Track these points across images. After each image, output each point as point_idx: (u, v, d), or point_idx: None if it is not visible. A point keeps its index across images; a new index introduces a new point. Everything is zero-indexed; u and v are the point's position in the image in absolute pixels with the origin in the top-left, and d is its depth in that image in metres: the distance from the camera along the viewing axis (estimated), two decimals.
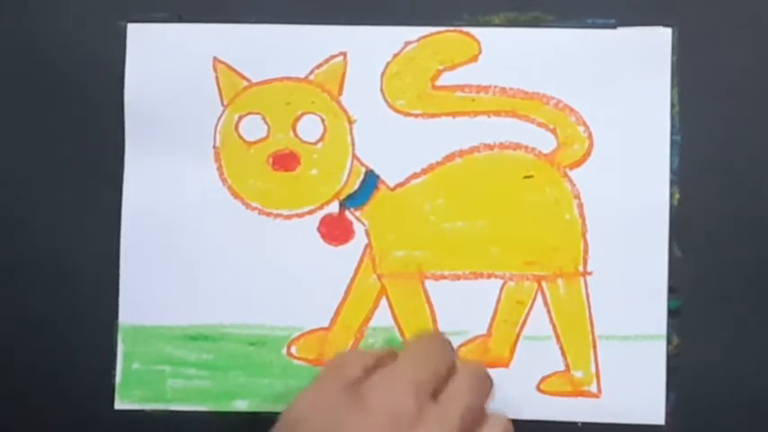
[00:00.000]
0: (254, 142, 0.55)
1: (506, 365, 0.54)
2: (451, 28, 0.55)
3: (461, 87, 0.55)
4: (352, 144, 0.55)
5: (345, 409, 0.47)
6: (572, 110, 0.54)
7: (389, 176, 0.55)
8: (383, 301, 0.55)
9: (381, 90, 0.55)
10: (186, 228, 0.55)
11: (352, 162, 0.55)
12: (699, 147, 0.54)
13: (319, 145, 0.55)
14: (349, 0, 0.55)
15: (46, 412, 0.55)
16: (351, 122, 0.55)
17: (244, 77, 0.55)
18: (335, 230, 0.55)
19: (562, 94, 0.54)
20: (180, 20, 0.55)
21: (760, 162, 0.54)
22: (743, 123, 0.54)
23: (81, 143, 0.56)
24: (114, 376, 0.55)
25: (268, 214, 0.55)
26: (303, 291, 0.55)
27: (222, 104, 0.55)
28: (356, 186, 0.55)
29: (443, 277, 0.55)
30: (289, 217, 0.55)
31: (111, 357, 0.55)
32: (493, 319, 0.54)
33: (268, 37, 0.55)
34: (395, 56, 0.55)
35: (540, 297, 0.54)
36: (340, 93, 0.55)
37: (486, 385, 0.51)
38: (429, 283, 0.55)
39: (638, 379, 0.54)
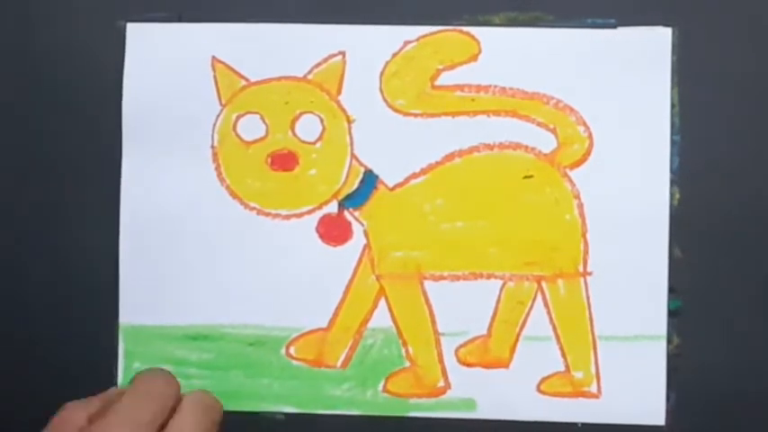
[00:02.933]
0: (253, 142, 0.55)
1: (506, 366, 0.54)
2: (451, 27, 0.55)
3: (461, 87, 0.55)
4: (351, 144, 0.55)
5: None
6: (572, 110, 0.54)
7: (389, 176, 0.55)
8: (382, 302, 0.55)
9: (380, 89, 0.55)
10: (185, 228, 0.55)
11: (350, 162, 0.55)
12: (699, 147, 0.54)
13: (318, 144, 0.55)
14: None
15: (46, 413, 0.55)
16: (350, 122, 0.55)
17: (242, 77, 0.55)
18: (334, 231, 0.55)
19: (562, 94, 0.54)
20: (179, 19, 0.55)
21: (760, 162, 0.54)
22: (743, 123, 0.54)
23: (80, 143, 0.55)
24: (115, 376, 0.55)
25: (266, 214, 0.55)
26: (302, 291, 0.55)
27: (220, 104, 0.55)
28: (355, 186, 0.55)
29: (443, 278, 0.55)
30: (287, 217, 0.55)
31: (111, 357, 0.55)
32: (493, 319, 0.54)
33: (267, 36, 0.55)
34: (394, 55, 0.55)
35: (540, 297, 0.54)
36: (339, 92, 0.55)
37: (212, 413, 0.50)
38: (428, 284, 0.55)
39: (638, 379, 0.54)
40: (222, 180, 0.55)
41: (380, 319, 0.55)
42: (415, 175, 0.55)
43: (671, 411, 0.54)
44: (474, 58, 0.55)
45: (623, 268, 0.54)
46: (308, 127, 0.55)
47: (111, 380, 0.55)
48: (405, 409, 0.55)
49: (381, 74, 0.55)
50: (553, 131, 0.54)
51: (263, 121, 0.55)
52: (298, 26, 0.55)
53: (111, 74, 0.55)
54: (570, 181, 0.54)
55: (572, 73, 0.54)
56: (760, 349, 0.54)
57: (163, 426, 0.48)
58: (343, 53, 0.55)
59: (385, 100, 0.55)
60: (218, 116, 0.55)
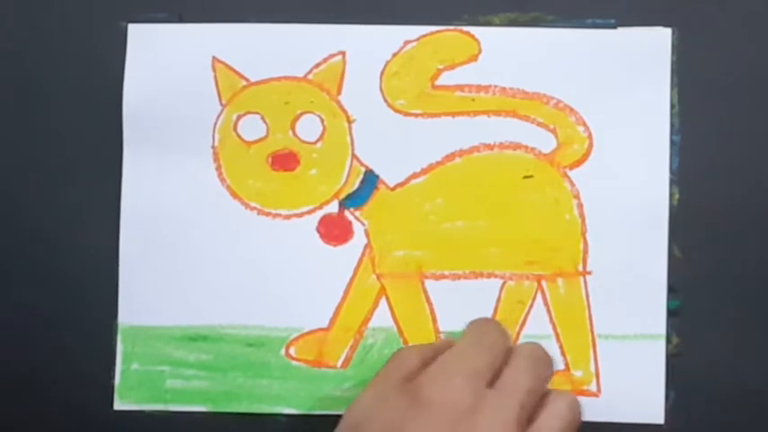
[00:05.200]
0: (254, 142, 0.55)
1: None
2: (451, 27, 0.55)
3: (461, 87, 0.55)
4: (352, 144, 0.55)
5: (403, 406, 0.48)
6: (572, 110, 0.54)
7: (389, 176, 0.55)
8: (383, 302, 0.55)
9: (381, 89, 0.55)
10: (185, 228, 0.55)
11: (351, 162, 0.55)
12: (699, 147, 0.54)
13: (319, 144, 0.55)
14: None
15: (45, 413, 0.55)
16: (350, 122, 0.55)
17: (242, 77, 0.55)
18: (335, 230, 0.55)
19: (562, 94, 0.54)
20: (180, 20, 0.55)
21: (760, 162, 0.54)
22: (743, 123, 0.54)
23: (80, 143, 0.55)
24: (113, 377, 0.55)
25: (267, 214, 0.55)
26: (302, 291, 0.55)
27: (221, 104, 0.55)
28: (356, 186, 0.55)
29: (443, 277, 0.55)
30: (288, 217, 0.55)
31: (110, 358, 0.55)
32: (493, 318, 0.54)
33: (267, 36, 0.55)
34: (394, 55, 0.55)
35: (539, 296, 0.54)
36: (339, 92, 0.55)
37: (544, 366, 0.51)
38: (429, 283, 0.55)
39: (637, 378, 0.54)
40: (223, 180, 0.55)
41: (381, 318, 0.55)
42: (415, 175, 0.55)
43: (670, 410, 0.54)
44: (474, 58, 0.55)
45: (623, 268, 0.54)
46: (309, 127, 0.55)
47: (109, 381, 0.55)
48: None
49: (381, 74, 0.55)
50: (553, 131, 0.55)
51: (264, 122, 0.55)
52: (298, 26, 0.55)
53: (112, 74, 0.55)
54: (570, 181, 0.54)
55: (572, 73, 0.54)
56: (759, 349, 0.54)
57: (495, 376, 0.49)
58: (343, 53, 0.55)
59: (385, 100, 0.55)
60: (219, 116, 0.55)
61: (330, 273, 0.55)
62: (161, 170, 0.55)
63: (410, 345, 0.54)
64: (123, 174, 0.55)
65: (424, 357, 0.50)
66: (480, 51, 0.55)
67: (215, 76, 0.55)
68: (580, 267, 0.54)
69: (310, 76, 0.55)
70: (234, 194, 0.55)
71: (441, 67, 0.55)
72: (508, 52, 0.55)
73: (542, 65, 0.54)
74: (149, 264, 0.55)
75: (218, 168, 0.55)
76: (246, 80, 0.55)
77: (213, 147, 0.55)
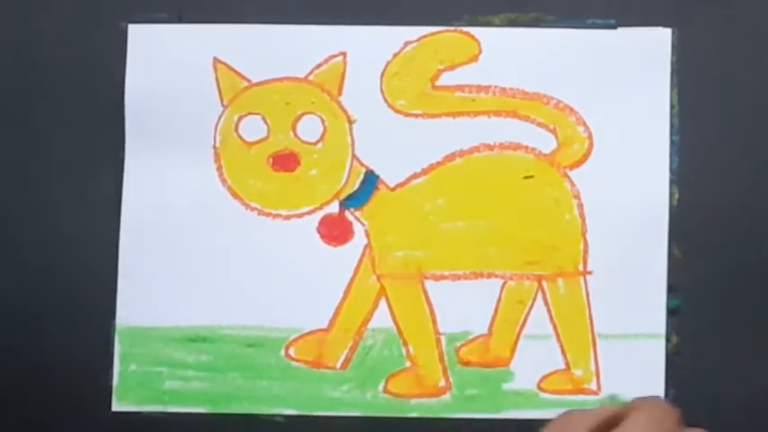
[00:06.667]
0: (254, 142, 0.55)
1: (507, 364, 0.54)
2: (451, 28, 0.55)
3: (461, 87, 0.55)
4: (352, 144, 0.55)
5: None
6: (572, 110, 0.55)
7: (389, 176, 0.55)
8: (383, 302, 0.55)
9: (381, 90, 0.55)
10: (185, 228, 0.55)
11: (351, 162, 0.55)
12: (699, 147, 0.54)
13: (319, 145, 0.55)
14: (349, 0, 0.55)
15: (43, 414, 0.55)
16: (350, 122, 0.55)
17: (243, 77, 0.55)
18: (335, 231, 0.55)
19: (562, 94, 0.55)
20: (180, 20, 0.55)
21: (759, 162, 0.54)
22: (743, 123, 0.54)
23: (81, 143, 0.55)
24: (112, 378, 0.55)
25: (267, 214, 0.55)
26: (302, 291, 0.55)
27: (222, 105, 0.55)
28: (356, 186, 0.55)
29: (443, 277, 0.55)
30: (288, 217, 0.55)
31: (108, 359, 0.55)
32: (493, 318, 0.55)
33: (268, 37, 0.55)
34: (395, 56, 0.55)
35: (540, 296, 0.55)
36: (340, 93, 0.55)
37: None
38: (429, 284, 0.55)
39: (637, 377, 0.54)
40: (224, 180, 0.55)
41: (381, 319, 0.55)
42: (415, 176, 0.55)
43: None
44: (474, 58, 0.55)
45: (623, 267, 0.54)
46: (310, 127, 0.55)
47: (107, 382, 0.55)
48: (406, 409, 0.55)
49: (382, 74, 0.55)
50: (553, 132, 0.55)
51: (265, 122, 0.55)
52: (299, 27, 0.55)
53: (113, 75, 0.55)
54: (570, 181, 0.54)
55: (572, 73, 0.55)
56: (759, 349, 0.54)
57: None
58: (343, 54, 0.55)
59: (386, 100, 0.55)
60: (220, 117, 0.55)
61: (330, 273, 0.55)
62: (162, 170, 0.55)
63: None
64: (125, 174, 0.55)
65: (590, 427, 0.49)
66: (480, 52, 0.55)
67: (216, 77, 0.55)
68: (580, 267, 0.54)
69: (311, 77, 0.55)
70: (234, 195, 0.55)
71: (441, 67, 0.55)
72: (508, 53, 0.55)
73: (542, 65, 0.55)
74: (149, 264, 0.55)
75: (219, 169, 0.55)
76: (248, 81, 0.55)
77: (214, 147, 0.55)
